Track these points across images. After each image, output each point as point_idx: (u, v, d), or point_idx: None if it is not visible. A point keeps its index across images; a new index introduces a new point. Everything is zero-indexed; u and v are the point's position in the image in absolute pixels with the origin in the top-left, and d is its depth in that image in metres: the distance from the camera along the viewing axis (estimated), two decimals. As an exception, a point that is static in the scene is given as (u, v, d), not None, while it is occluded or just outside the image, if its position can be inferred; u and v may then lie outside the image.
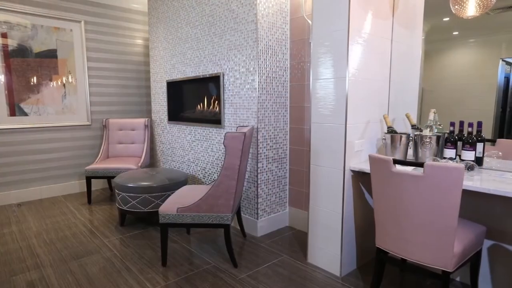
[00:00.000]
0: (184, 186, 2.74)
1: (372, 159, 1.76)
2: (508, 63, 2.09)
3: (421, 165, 1.56)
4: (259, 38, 2.63)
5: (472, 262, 1.88)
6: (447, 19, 2.27)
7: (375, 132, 2.32)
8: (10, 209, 3.55)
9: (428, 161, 1.56)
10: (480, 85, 2.16)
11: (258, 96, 2.68)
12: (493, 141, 2.13)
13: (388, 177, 1.68)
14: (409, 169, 1.76)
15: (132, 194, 2.88)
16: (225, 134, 2.15)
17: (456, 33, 2.25)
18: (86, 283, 2.12)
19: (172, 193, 2.97)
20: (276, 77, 2.81)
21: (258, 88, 2.68)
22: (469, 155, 1.93)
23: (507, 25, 2.04)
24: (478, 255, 1.85)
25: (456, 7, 2.08)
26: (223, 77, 2.99)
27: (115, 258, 2.45)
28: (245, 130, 2.40)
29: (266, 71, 2.73)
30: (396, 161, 1.66)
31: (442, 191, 1.50)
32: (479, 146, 1.96)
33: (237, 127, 2.75)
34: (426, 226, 1.59)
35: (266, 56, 2.71)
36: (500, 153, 2.09)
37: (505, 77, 2.09)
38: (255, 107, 2.70)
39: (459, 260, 1.62)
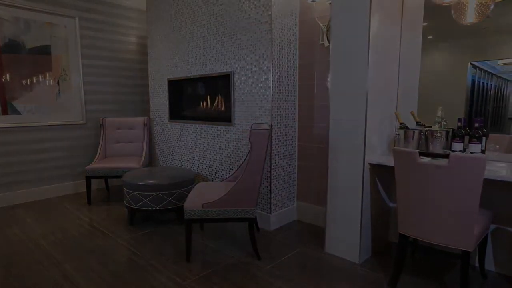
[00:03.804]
0: (200, 183, 2.78)
1: (396, 152, 1.92)
2: (474, 67, 2.35)
3: (446, 156, 1.73)
4: (273, 38, 2.73)
5: (481, 243, 2.09)
6: (425, 23, 2.49)
7: (386, 128, 2.50)
8: (5, 212, 3.40)
9: (454, 154, 1.73)
10: (452, 86, 2.42)
11: (272, 95, 2.78)
12: (486, 136, 2.37)
13: (413, 168, 1.83)
14: (426, 160, 1.94)
15: (144, 193, 2.87)
16: (251, 131, 2.22)
17: (431, 37, 2.48)
18: (114, 280, 2.12)
19: (183, 190, 2.99)
20: (287, 76, 2.92)
21: (272, 86, 2.77)
22: (476, 148, 2.14)
23: (474, 31, 2.30)
24: (486, 237, 2.06)
25: (453, 11, 2.32)
26: (234, 76, 3.05)
27: (135, 256, 2.45)
28: (267, 127, 2.49)
29: (279, 70, 2.83)
30: (421, 154, 1.82)
31: (466, 179, 1.68)
32: (483, 140, 2.18)
33: (252, 125, 2.83)
34: (450, 211, 1.76)
35: (279, 56, 2.81)
36: (497, 146, 2.34)
37: (472, 79, 2.35)
38: (268, 105, 2.79)
39: (477, 241, 1.81)
